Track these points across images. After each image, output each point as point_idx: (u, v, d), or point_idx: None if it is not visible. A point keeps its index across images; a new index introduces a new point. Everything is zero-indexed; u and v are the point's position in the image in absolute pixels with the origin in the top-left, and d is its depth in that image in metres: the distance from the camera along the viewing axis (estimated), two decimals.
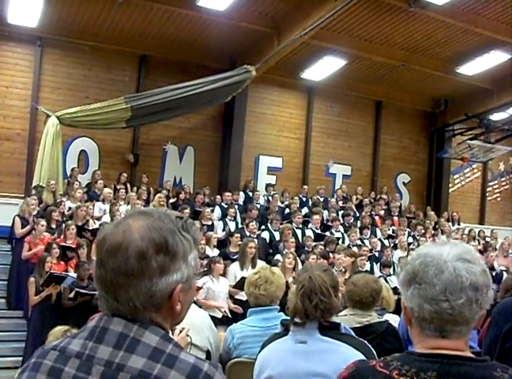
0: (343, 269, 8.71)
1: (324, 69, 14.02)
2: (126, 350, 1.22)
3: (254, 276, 3.66)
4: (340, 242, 10.95)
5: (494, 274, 10.08)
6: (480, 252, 10.83)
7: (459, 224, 14.93)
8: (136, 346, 1.22)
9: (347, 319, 3.36)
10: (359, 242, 11.28)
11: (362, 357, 2.38)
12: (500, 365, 1.36)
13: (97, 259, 1.29)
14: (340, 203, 13.81)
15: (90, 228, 9.26)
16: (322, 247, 10.05)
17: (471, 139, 15.69)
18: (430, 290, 1.36)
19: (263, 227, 11.04)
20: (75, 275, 7.80)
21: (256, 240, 9.79)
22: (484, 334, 3.38)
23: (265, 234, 10.76)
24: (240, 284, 7.25)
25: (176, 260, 1.27)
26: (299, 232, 10.96)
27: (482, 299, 1.37)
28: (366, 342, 2.62)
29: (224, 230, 10.88)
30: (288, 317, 2.67)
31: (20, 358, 7.69)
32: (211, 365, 1.24)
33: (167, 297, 1.27)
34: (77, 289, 7.50)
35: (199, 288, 7.50)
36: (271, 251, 10.25)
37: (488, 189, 18.24)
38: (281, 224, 11.00)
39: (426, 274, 1.38)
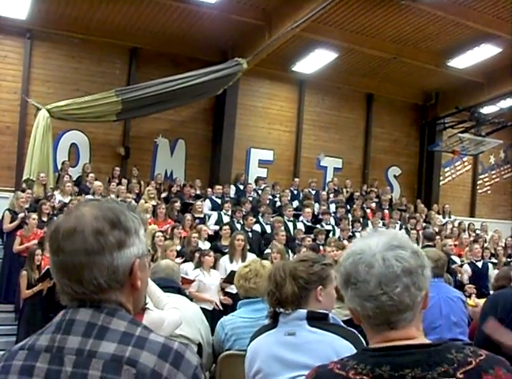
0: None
1: (315, 61, 14.00)
2: (96, 338, 1.24)
3: (244, 269, 3.68)
4: (330, 234, 10.97)
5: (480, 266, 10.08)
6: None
7: (450, 217, 14.99)
8: (105, 333, 1.25)
9: (333, 312, 3.36)
10: (350, 235, 11.29)
11: (350, 346, 2.39)
12: (456, 345, 1.35)
13: (53, 247, 1.31)
14: (332, 196, 13.83)
15: None
16: (311, 240, 10.06)
17: (462, 132, 15.72)
18: (365, 288, 1.35)
19: (254, 219, 11.02)
20: None
21: (249, 233, 9.77)
22: (477, 326, 3.42)
23: (256, 227, 10.75)
24: (230, 278, 7.24)
25: (130, 235, 1.32)
26: (290, 225, 10.97)
27: (419, 281, 1.36)
28: (355, 331, 2.63)
29: (217, 223, 10.84)
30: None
31: None
32: (181, 344, 1.28)
33: (128, 273, 1.31)
34: None
35: (191, 281, 7.51)
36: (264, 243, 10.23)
37: (479, 182, 18.33)
38: (272, 217, 11.00)
39: (358, 273, 1.37)
